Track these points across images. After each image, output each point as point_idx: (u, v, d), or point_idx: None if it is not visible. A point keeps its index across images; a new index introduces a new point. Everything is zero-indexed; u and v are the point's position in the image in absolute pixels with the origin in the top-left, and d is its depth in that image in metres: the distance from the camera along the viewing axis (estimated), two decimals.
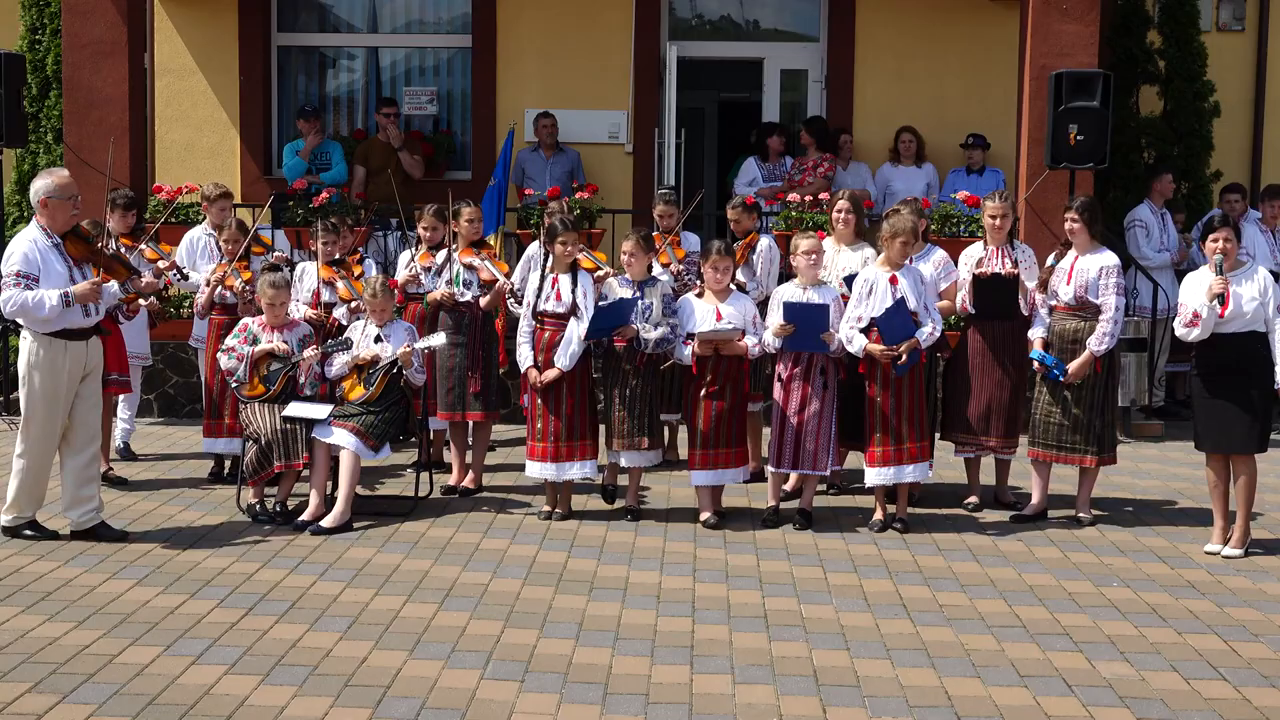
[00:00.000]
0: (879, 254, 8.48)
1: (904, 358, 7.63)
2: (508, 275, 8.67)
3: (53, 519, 7.54)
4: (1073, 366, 7.90)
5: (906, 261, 7.89)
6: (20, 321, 7.34)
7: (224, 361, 8.03)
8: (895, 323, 7.66)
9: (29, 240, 7.15)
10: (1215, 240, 7.30)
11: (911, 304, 7.75)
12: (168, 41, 12.87)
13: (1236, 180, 12.25)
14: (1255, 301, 7.22)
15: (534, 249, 9.10)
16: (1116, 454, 8.22)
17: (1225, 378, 7.34)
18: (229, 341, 8.07)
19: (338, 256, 9.00)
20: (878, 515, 7.88)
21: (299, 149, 12.01)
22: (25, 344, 7.25)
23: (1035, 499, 8.15)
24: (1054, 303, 8.04)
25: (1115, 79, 10.63)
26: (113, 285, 7.57)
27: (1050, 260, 8.15)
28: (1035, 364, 8.03)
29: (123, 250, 8.71)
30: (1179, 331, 7.43)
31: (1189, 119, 12.22)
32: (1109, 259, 7.99)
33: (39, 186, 7.20)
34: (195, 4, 12.86)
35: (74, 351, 7.22)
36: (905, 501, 7.94)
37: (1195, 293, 7.31)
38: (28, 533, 7.37)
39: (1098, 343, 7.89)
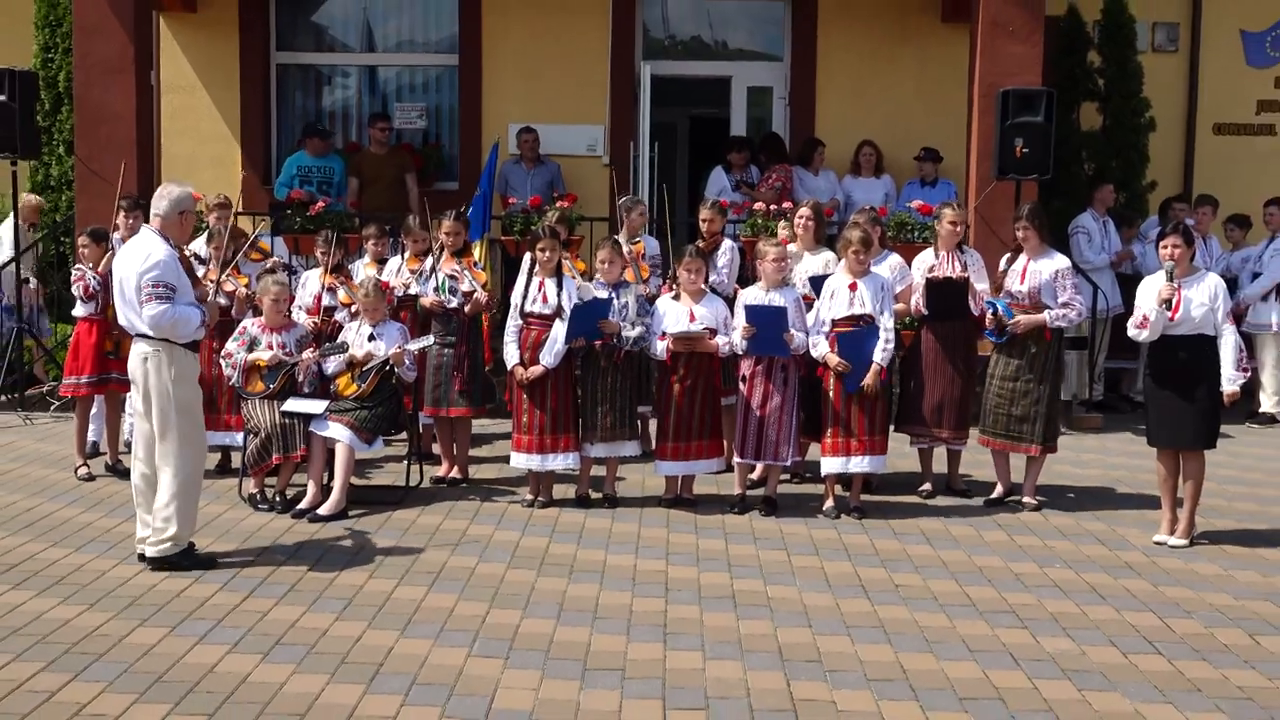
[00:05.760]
0: (840, 260, 8.50)
1: (844, 371, 7.67)
2: (485, 286, 8.65)
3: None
4: (1024, 319, 7.92)
5: (868, 269, 7.90)
6: (151, 333, 6.55)
7: (224, 368, 8.04)
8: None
9: (163, 250, 6.50)
10: (1165, 247, 7.20)
11: (868, 308, 7.77)
12: (173, 60, 12.79)
13: (1168, 190, 12.36)
14: (1204, 307, 7.10)
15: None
16: (1058, 444, 8.28)
17: (1176, 378, 7.19)
18: (229, 346, 8.05)
19: (337, 261, 8.94)
20: (829, 502, 7.91)
21: (301, 164, 11.90)
22: (155, 357, 6.54)
23: (1002, 485, 8.20)
24: (1008, 301, 8.06)
25: (1058, 96, 10.66)
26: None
27: (1003, 265, 8.17)
28: (988, 315, 8.00)
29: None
30: (1130, 332, 7.32)
31: (1126, 133, 12.27)
32: (1061, 261, 8.02)
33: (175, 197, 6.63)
34: (199, 25, 12.79)
35: (195, 361, 6.78)
36: (859, 490, 7.97)
37: (1147, 296, 7.23)
38: (182, 560, 6.59)
39: (1054, 320, 7.93)
